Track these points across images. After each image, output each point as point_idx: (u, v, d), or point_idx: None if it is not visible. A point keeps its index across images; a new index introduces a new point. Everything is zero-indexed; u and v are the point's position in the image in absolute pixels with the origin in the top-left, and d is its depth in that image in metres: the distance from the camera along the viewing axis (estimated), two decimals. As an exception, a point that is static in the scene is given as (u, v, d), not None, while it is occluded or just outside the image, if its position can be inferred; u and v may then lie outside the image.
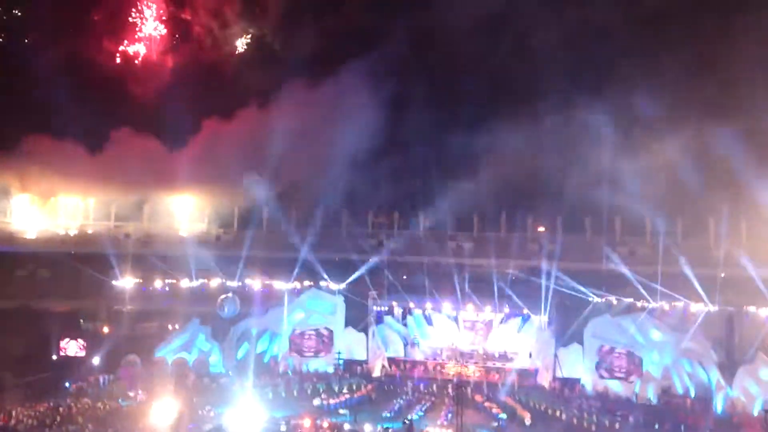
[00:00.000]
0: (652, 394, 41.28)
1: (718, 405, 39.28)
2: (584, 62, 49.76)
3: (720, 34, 45.51)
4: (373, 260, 46.85)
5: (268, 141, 48.90)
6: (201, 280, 46.20)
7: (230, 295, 45.59)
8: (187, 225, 50.18)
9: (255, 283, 46.46)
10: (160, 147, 50.81)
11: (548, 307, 45.29)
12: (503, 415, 37.75)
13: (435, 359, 46.52)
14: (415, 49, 53.07)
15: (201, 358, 44.37)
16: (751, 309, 41.30)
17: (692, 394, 40.65)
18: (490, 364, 45.74)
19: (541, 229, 48.72)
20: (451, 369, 45.45)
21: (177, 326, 46.31)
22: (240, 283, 46.36)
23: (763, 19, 43.45)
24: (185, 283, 46.32)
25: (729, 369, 40.59)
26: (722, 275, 41.77)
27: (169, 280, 46.54)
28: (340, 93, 51.89)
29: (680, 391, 41.06)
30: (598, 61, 49.20)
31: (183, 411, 34.67)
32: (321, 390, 41.56)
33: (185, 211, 50.49)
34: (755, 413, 37.56)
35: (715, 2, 48.59)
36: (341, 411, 38.26)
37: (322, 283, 47.30)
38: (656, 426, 36.61)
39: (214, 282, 46.24)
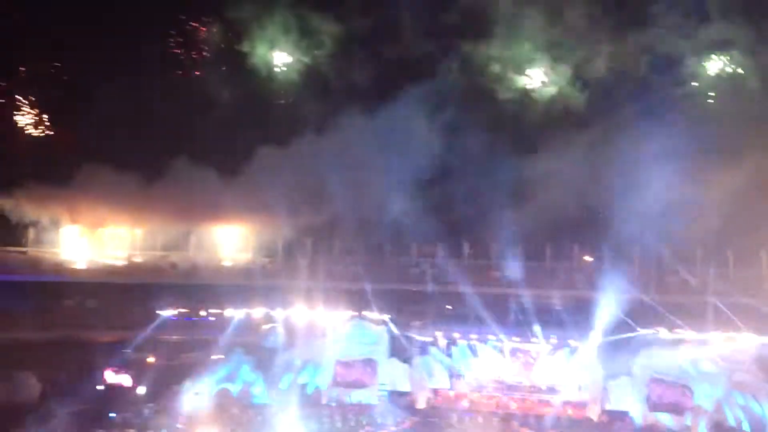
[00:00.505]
0: (703, 428, 40.13)
1: (778, 441, 38.12)
2: (639, 88, 49.30)
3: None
4: (417, 290, 46.84)
5: (316, 170, 49.68)
6: (245, 310, 46.35)
7: (274, 324, 45.75)
8: (232, 255, 50.69)
9: (299, 314, 46.45)
10: (211, 176, 50.89)
11: (596, 339, 44.59)
12: (552, 450, 37.11)
13: (480, 391, 45.87)
14: (464, 78, 53.24)
15: (245, 388, 44.41)
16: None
17: (746, 427, 39.46)
18: (536, 396, 44.92)
19: (588, 258, 48.20)
20: (497, 401, 44.76)
21: (221, 356, 46.51)
22: (284, 313, 46.47)
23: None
24: (229, 313, 46.50)
25: (787, 406, 39.44)
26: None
27: (214, 310, 46.83)
28: (387, 123, 52.18)
29: (733, 424, 39.89)
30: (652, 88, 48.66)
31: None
32: (365, 422, 41.28)
33: (231, 241, 51.03)
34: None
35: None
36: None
37: (366, 314, 47.22)
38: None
39: (259, 312, 46.38)
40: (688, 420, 40.93)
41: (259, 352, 45.79)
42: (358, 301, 47.19)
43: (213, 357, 46.76)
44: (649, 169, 45.66)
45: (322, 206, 49.62)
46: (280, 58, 54.04)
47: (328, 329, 46.37)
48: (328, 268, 48.42)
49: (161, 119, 50.62)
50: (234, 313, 46.46)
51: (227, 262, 50.13)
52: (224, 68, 54.08)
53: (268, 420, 40.79)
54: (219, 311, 46.60)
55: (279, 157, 51.55)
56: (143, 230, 51.25)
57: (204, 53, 54.38)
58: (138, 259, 50.88)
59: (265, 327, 45.84)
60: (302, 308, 46.22)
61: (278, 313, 46.38)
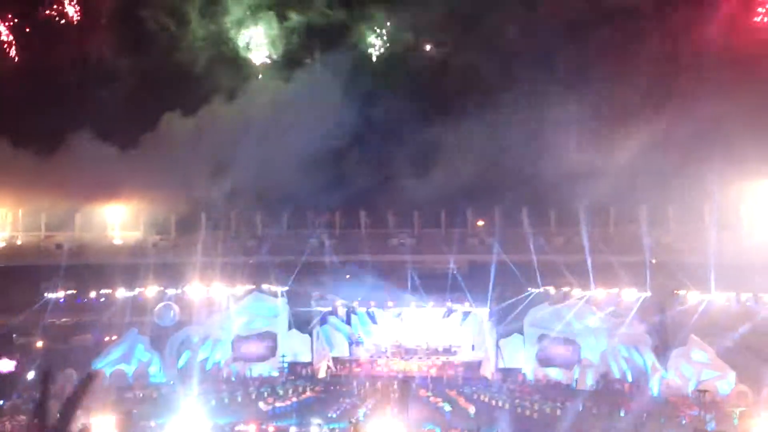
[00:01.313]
0: (590, 380, 42.44)
1: (654, 387, 40.72)
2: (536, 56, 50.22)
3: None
4: (315, 261, 46.85)
5: (209, 143, 48.48)
6: (138, 289, 45.05)
7: (168, 302, 44.78)
8: (121, 233, 48.87)
9: (194, 290, 45.53)
10: (100, 151, 48.33)
11: (489, 300, 46.10)
12: (448, 408, 38.17)
13: (380, 357, 46.73)
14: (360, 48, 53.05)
15: (140, 368, 43.41)
16: (681, 293, 42.77)
17: (629, 378, 41.97)
18: (434, 358, 46.19)
19: (480, 223, 49.42)
20: (396, 366, 45.67)
21: (114, 337, 45.14)
22: (179, 291, 45.46)
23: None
24: (121, 293, 45.06)
25: (663, 352, 42.13)
26: (653, 261, 43.16)
27: (104, 291, 45.25)
28: (282, 94, 51.39)
29: (617, 375, 42.37)
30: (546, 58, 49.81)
31: (122, 423, 33.85)
32: (266, 394, 41.13)
33: (119, 219, 49.12)
34: (689, 393, 39.11)
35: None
36: (286, 414, 38.08)
37: (264, 286, 46.87)
38: (595, 411, 37.55)
39: (152, 290, 45.14)
40: (576, 373, 43.10)
41: (154, 331, 44.79)
42: (256, 274, 46.88)
43: (106, 338, 45.48)
44: (540, 135, 47.24)
45: (217, 179, 48.64)
46: (181, 26, 52.11)
47: (225, 304, 45.83)
48: (224, 242, 47.54)
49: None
50: (126, 293, 45.15)
51: (117, 241, 48.29)
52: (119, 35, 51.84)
53: (167, 398, 39.94)
54: (110, 291, 45.13)
55: (170, 131, 50.12)
56: (25, 210, 48.46)
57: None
58: (19, 241, 48.19)
59: (159, 305, 44.70)
60: (198, 284, 45.41)
61: (173, 291, 45.40)
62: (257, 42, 53.68)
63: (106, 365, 42.82)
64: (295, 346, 46.44)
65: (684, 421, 35.72)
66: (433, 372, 44.87)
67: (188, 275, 45.42)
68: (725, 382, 39.06)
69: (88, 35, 52.22)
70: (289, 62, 53.43)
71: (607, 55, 46.38)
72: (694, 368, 40.05)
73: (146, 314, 44.89)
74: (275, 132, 49.27)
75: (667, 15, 46.74)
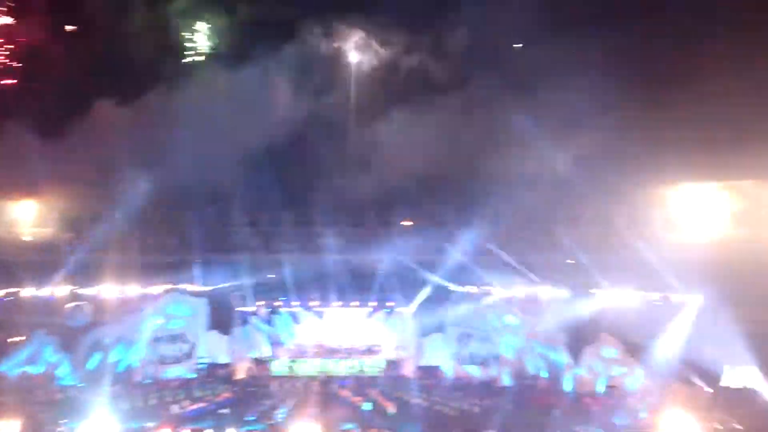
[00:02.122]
0: (507, 377, 43.27)
1: (567, 383, 41.86)
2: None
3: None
4: (237, 260, 46.05)
5: (127, 138, 46.89)
6: (47, 288, 43.22)
7: (80, 303, 43.19)
8: (30, 230, 46.82)
9: (108, 290, 44.02)
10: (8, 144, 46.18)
11: (412, 300, 46.40)
12: (367, 407, 38.26)
13: (301, 357, 46.16)
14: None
15: (48, 371, 41.65)
16: (595, 291, 44.19)
17: (544, 374, 43.04)
18: (356, 358, 46.14)
19: (407, 223, 49.69)
20: (318, 366, 45.35)
21: (21, 339, 43.16)
22: (91, 290, 43.90)
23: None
24: (29, 292, 43.17)
25: (576, 349, 43.35)
26: (569, 261, 44.47)
27: (11, 289, 43.21)
28: (207, 89, 50.19)
29: (533, 372, 43.40)
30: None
31: (28, 427, 32.55)
32: (181, 397, 40.14)
33: (29, 215, 47.01)
34: (599, 389, 40.41)
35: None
36: (202, 417, 37.27)
37: (183, 286, 45.78)
38: (511, 407, 38.34)
39: (63, 290, 43.42)
40: (494, 370, 43.85)
41: (63, 332, 43.01)
42: (174, 273, 45.71)
43: (10, 339, 43.43)
44: (469, 139, 47.78)
45: (136, 174, 47.09)
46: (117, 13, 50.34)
47: (141, 304, 44.49)
48: (141, 240, 46.17)
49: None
50: (34, 292, 43.28)
51: (26, 237, 46.23)
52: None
53: (76, 401, 38.49)
54: (16, 290, 43.15)
55: (93, 124, 48.25)
56: None
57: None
58: None
59: (70, 305, 43.04)
60: (112, 284, 43.94)
61: (85, 290, 43.80)
62: (198, 34, 52.59)
63: (11, 367, 41.03)
64: (213, 348, 45.38)
65: (594, 416, 36.82)
66: (355, 371, 44.77)
67: (102, 274, 43.98)
68: (633, 377, 40.55)
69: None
70: (228, 57, 52.41)
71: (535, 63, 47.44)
72: (605, 364, 41.42)
73: (56, 314, 43.13)
74: (204, 128, 47.99)
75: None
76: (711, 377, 39.83)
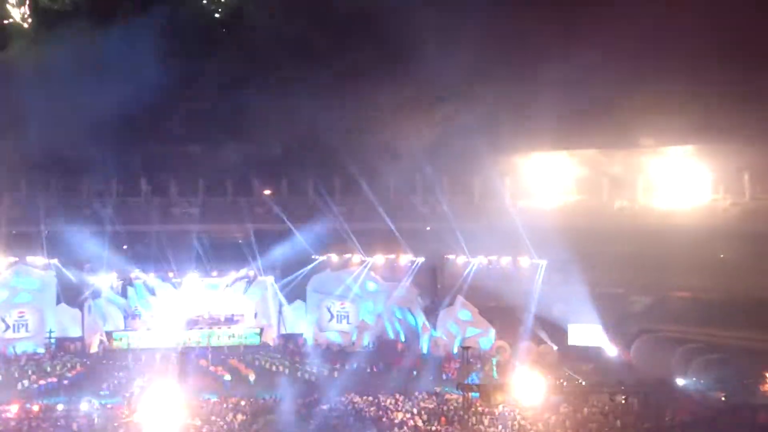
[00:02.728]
0: (367, 341, 44.55)
1: (424, 345, 43.62)
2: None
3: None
4: (87, 231, 43.86)
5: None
6: None
7: None
8: None
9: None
10: None
11: (273, 268, 46.36)
12: (228, 377, 38.04)
13: (158, 328, 45.15)
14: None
15: None
16: (451, 257, 46.10)
17: (402, 338, 44.71)
18: (215, 328, 45.59)
19: (267, 192, 49.30)
20: (176, 337, 44.33)
21: None
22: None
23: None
24: None
25: (433, 312, 45.15)
26: (427, 228, 46.00)
27: None
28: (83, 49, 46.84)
29: (392, 336, 45.00)
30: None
31: None
32: (30, 372, 38.05)
33: None
34: (455, 350, 42.37)
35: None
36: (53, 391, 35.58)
37: (29, 258, 43.22)
38: (369, 370, 39.53)
39: None
40: (354, 336, 44.96)
41: None
42: (20, 245, 43.06)
43: None
44: (329, 110, 47.58)
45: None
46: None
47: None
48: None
49: None
50: None
51: None
52: None
53: None
54: None
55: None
56: None
57: None
58: None
59: None
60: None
61: None
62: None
63: None
64: (63, 321, 43.38)
65: (450, 376, 38.60)
66: (214, 342, 44.24)
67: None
68: (486, 338, 42.80)
69: None
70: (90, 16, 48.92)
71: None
72: (460, 326, 43.40)
73: None
74: (51, 92, 44.86)
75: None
76: (559, 336, 42.93)
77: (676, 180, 42.03)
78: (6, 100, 43.50)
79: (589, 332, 42.61)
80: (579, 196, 45.65)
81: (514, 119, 43.42)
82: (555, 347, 42.17)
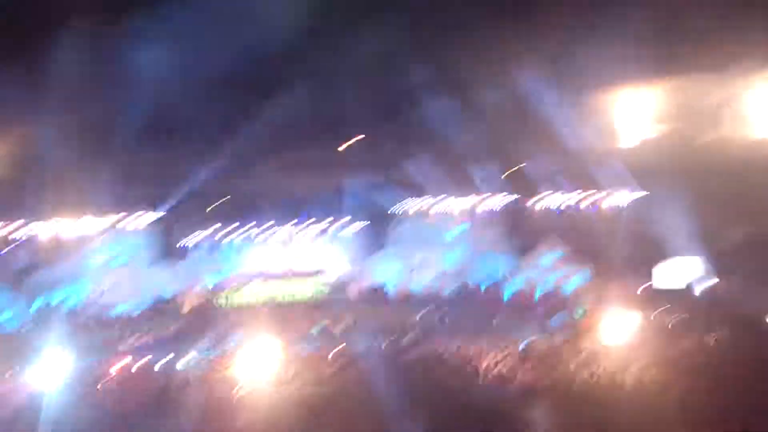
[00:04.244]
0: (450, 289, 44.45)
1: (509, 290, 43.17)
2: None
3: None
4: (184, 191, 45.55)
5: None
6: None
7: (16, 244, 42.32)
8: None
9: (46, 230, 42.95)
10: None
11: (356, 220, 46.79)
12: (316, 330, 38.96)
13: (247, 284, 46.56)
14: None
15: (-10, 316, 41.16)
16: (535, 199, 45.13)
17: (486, 284, 44.31)
18: (302, 281, 46.59)
19: (347, 143, 49.48)
20: (264, 293, 45.66)
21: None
22: (28, 232, 42.89)
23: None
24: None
25: (519, 256, 44.53)
26: (511, 170, 45.22)
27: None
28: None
29: (474, 282, 44.65)
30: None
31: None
32: (128, 333, 40.10)
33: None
34: (540, 294, 41.82)
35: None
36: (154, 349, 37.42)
37: (123, 223, 45.12)
38: (452, 317, 39.58)
39: (-1, 233, 42.43)
40: (437, 283, 44.89)
41: (2, 276, 42.28)
42: (118, 207, 44.96)
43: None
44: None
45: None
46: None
47: (81, 244, 43.76)
48: (79, 178, 44.65)
49: None
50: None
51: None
52: None
53: (22, 345, 38.08)
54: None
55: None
56: None
57: None
58: None
59: (6, 248, 42.08)
60: (51, 224, 42.80)
61: (20, 233, 42.76)
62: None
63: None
64: (158, 282, 45.22)
65: (536, 321, 38.14)
66: (301, 296, 45.26)
67: (40, 214, 42.90)
68: (573, 280, 42.00)
69: None
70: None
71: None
72: (546, 269, 42.74)
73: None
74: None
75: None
76: (648, 275, 41.68)
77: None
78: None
79: (681, 268, 41.13)
80: (667, 127, 43.67)
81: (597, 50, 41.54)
82: (645, 285, 40.91)
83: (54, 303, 42.07)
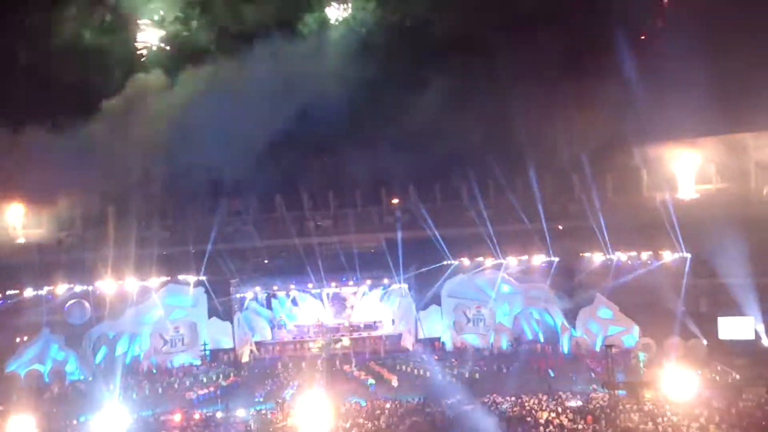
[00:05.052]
0: (505, 343, 44.23)
1: (565, 346, 42.96)
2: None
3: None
4: (232, 248, 46.62)
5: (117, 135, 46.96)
6: (46, 288, 43.51)
7: (78, 300, 43.77)
8: (23, 231, 46.91)
9: (106, 285, 44.23)
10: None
11: (407, 275, 47.09)
12: (372, 381, 39.01)
13: (302, 338, 47.10)
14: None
15: (56, 367, 42.09)
16: (586, 255, 44.92)
17: (541, 338, 44.09)
18: (356, 335, 46.93)
19: (395, 201, 50.25)
20: (319, 345, 46.06)
21: (26, 338, 43.64)
22: (89, 287, 44.30)
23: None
24: (29, 293, 43.43)
25: (572, 312, 44.30)
26: (560, 227, 45.26)
27: (11, 291, 43.54)
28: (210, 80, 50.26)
29: (530, 336, 44.44)
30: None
31: (42, 423, 32.96)
32: (188, 383, 40.75)
33: (19, 218, 47.05)
34: (597, 349, 41.30)
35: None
36: (211, 400, 37.91)
37: (180, 277, 46.11)
38: (510, 371, 39.42)
39: (61, 288, 43.76)
40: (491, 338, 44.72)
41: (67, 329, 43.65)
42: (170, 265, 46.02)
43: (17, 340, 43.91)
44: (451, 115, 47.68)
45: (124, 170, 47.20)
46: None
47: (139, 297, 44.90)
48: (135, 234, 46.34)
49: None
50: (34, 292, 43.51)
51: (21, 239, 46.40)
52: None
53: (86, 395, 38.98)
54: (17, 291, 43.44)
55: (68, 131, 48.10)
56: None
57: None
58: None
59: (69, 303, 43.55)
60: (109, 279, 44.10)
61: (82, 288, 44.23)
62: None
63: (19, 367, 41.57)
64: (216, 334, 46.04)
65: (593, 375, 37.72)
66: (356, 348, 45.47)
67: (99, 270, 44.21)
68: (630, 336, 41.48)
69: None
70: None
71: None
72: (601, 325, 42.32)
73: (58, 313, 43.69)
74: (187, 121, 48.02)
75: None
76: (708, 330, 40.92)
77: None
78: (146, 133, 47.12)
79: (741, 325, 40.36)
80: (722, 184, 43.48)
81: (651, 107, 41.92)
82: (705, 341, 40.26)
83: (117, 354, 43.00)
